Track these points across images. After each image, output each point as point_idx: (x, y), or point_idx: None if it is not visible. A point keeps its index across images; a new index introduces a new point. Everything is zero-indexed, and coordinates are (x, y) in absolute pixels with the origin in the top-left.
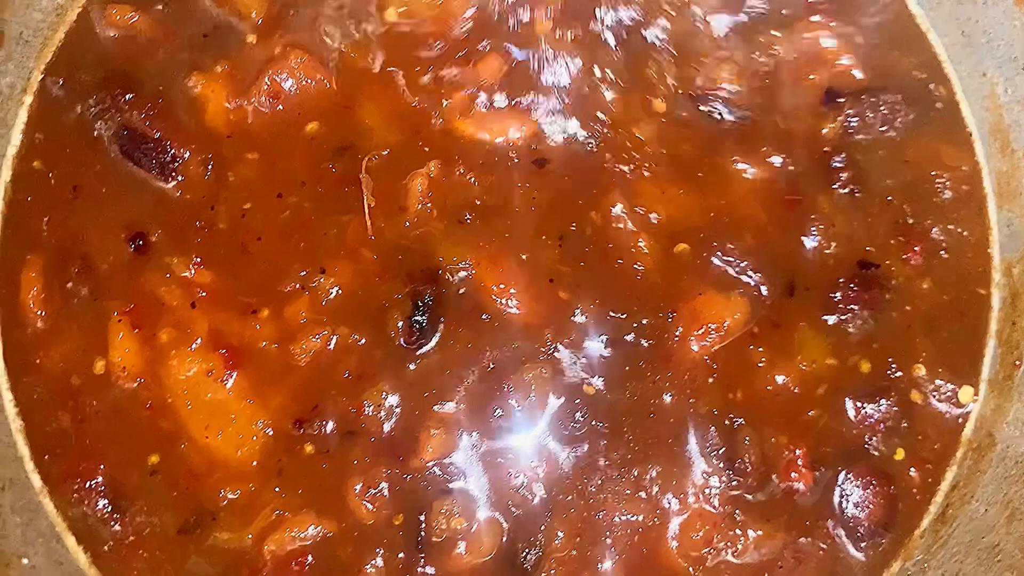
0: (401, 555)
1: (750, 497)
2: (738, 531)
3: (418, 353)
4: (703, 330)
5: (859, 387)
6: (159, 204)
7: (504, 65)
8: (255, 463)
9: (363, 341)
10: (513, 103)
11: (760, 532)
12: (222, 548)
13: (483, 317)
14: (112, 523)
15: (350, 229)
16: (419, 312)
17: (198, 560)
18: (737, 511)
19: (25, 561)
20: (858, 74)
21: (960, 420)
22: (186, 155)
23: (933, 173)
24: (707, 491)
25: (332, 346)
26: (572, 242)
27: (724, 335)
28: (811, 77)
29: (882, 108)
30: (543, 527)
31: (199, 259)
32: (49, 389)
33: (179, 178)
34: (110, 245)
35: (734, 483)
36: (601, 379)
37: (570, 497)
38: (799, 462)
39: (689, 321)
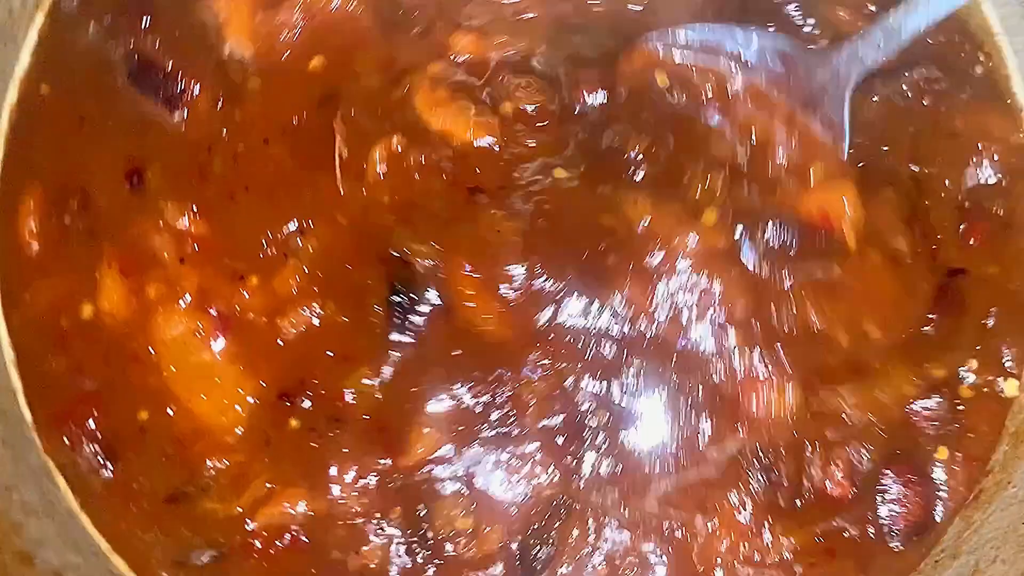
0: (401, 544)
1: (783, 504)
2: (768, 536)
3: (399, 340)
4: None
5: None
6: (160, 141)
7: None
8: (241, 431)
9: (346, 320)
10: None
11: (792, 539)
12: (211, 519)
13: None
14: (103, 471)
15: (324, 188)
16: (398, 294)
17: (186, 531)
18: (769, 517)
19: (15, 496)
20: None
21: (1002, 410)
22: (195, 89)
23: (980, 146)
24: (739, 499)
25: (318, 322)
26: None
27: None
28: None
29: (917, 82)
30: (557, 524)
31: (195, 208)
32: (40, 328)
33: (184, 113)
34: (110, 181)
35: (767, 490)
36: (620, 405)
37: (583, 504)
38: (838, 474)
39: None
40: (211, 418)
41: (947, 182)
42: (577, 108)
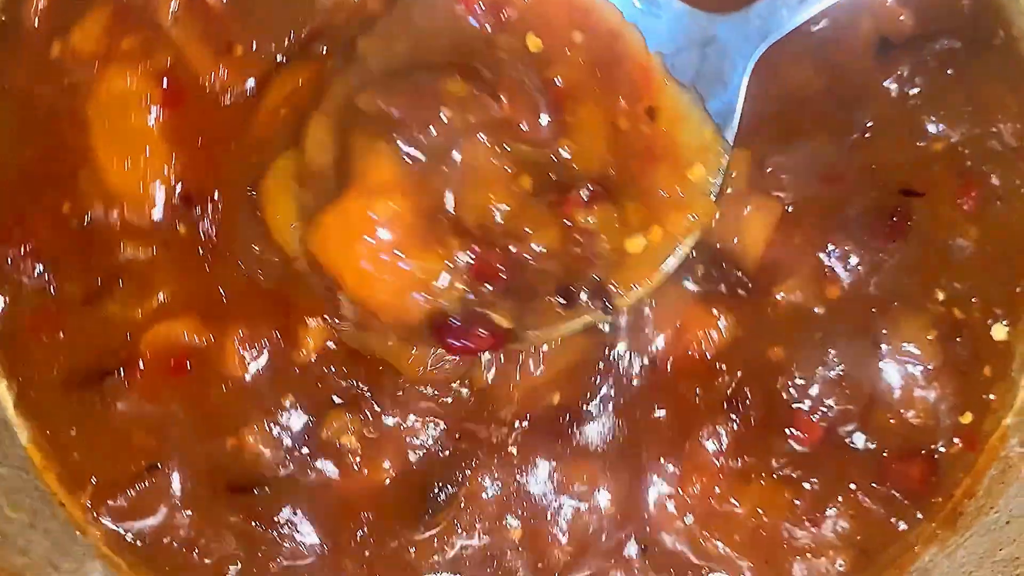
0: (288, 437)
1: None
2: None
3: None
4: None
5: None
6: None
7: None
8: (154, 212)
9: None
10: None
11: (763, 483)
12: (112, 324)
13: None
14: (49, 288)
15: None
16: None
17: (91, 335)
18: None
19: None
20: (905, 17)
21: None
22: None
23: (999, 116)
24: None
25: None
26: None
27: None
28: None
29: (940, 53)
30: (465, 466)
31: None
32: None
33: None
34: None
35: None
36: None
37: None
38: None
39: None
40: (128, 187)
41: (953, 138)
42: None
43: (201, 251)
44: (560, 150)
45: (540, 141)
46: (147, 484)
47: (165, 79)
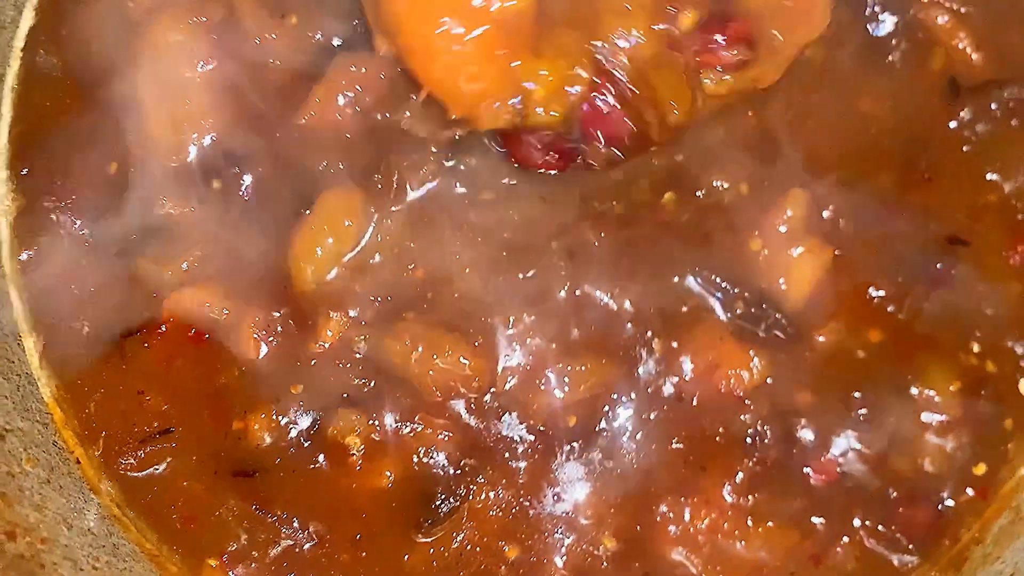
0: (294, 430)
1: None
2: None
3: None
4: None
5: None
6: None
7: None
8: (190, 162)
9: None
10: None
11: (771, 523)
12: (141, 279)
13: None
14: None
15: None
16: None
17: (119, 291)
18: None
19: None
20: (978, 60)
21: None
22: None
23: None
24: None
25: None
26: None
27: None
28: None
29: (1009, 103)
30: (471, 481)
31: None
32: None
33: None
34: None
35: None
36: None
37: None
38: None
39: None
40: (163, 133)
41: (1007, 189)
42: None
43: (232, 214)
44: None
45: None
46: (158, 448)
47: (216, 35)
